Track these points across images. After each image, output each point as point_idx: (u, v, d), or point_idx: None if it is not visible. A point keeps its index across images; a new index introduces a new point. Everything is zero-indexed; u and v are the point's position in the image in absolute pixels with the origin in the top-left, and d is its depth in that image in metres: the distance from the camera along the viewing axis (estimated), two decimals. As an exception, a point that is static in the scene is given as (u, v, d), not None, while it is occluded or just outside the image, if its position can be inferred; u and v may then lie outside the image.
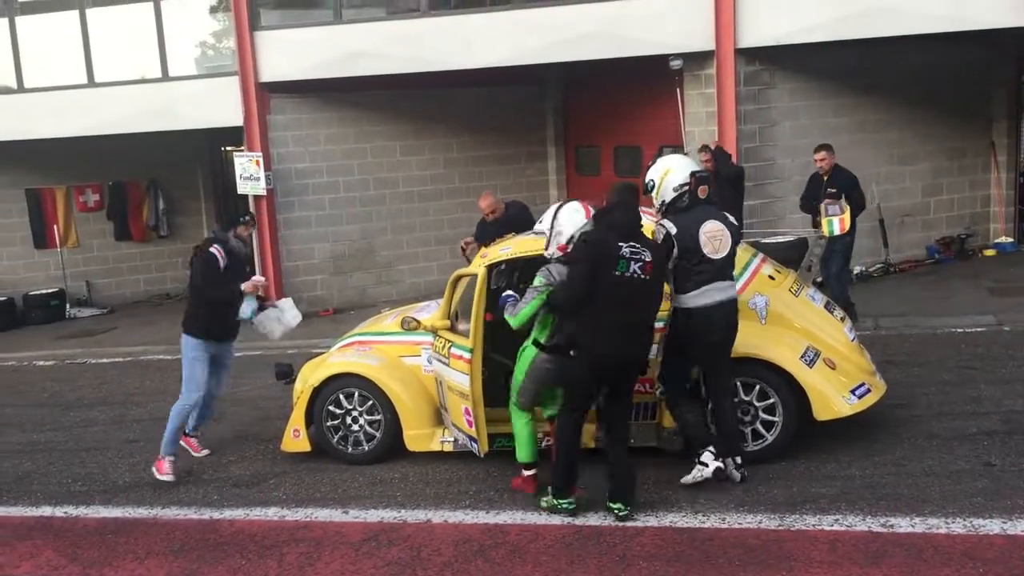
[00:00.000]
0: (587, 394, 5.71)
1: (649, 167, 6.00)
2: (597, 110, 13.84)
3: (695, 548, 5.05)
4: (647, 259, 5.51)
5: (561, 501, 5.76)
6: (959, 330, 9.29)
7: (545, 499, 5.87)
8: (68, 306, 15.05)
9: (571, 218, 5.79)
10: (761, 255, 7.15)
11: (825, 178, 9.55)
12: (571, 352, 5.59)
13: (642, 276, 5.49)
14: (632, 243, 5.49)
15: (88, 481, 7.29)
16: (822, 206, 7.61)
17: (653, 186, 6.04)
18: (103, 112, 13.32)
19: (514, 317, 5.75)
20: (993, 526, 5.06)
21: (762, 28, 10.92)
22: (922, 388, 7.49)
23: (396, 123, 13.55)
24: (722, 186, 9.41)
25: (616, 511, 5.62)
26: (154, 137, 13.79)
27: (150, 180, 15.58)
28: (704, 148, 10.27)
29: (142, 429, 8.57)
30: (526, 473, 6.09)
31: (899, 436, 6.49)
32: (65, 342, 13.20)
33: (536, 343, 5.83)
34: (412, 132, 13.67)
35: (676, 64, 10.89)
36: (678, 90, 11.14)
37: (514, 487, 6.15)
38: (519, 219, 8.06)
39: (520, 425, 6.05)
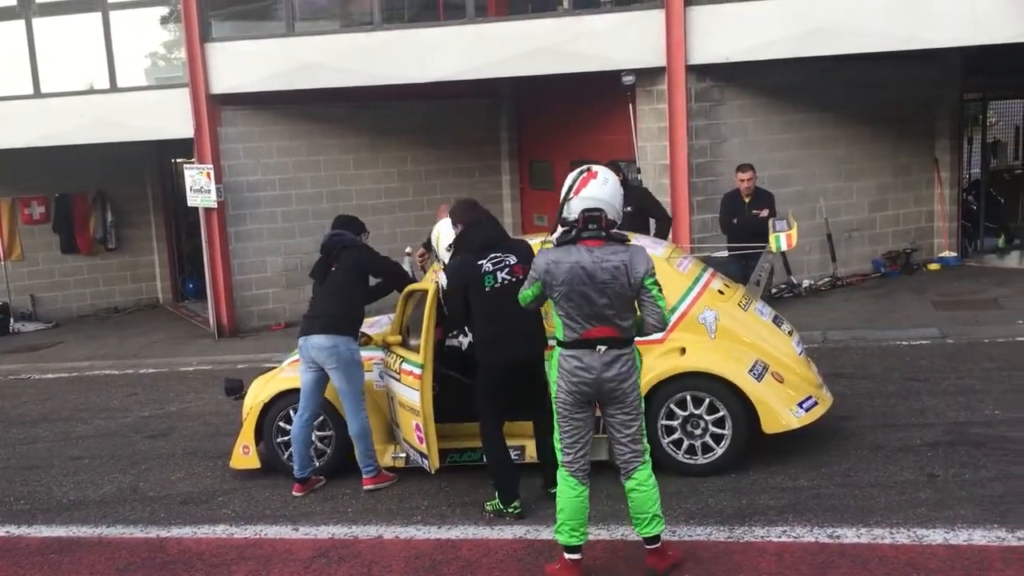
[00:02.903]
0: (498, 401, 5.93)
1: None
2: (551, 124, 13.92)
3: (645, 561, 5.06)
4: (512, 262, 5.86)
5: (508, 507, 5.89)
6: (904, 343, 9.48)
7: (491, 503, 5.99)
8: (12, 320, 14.71)
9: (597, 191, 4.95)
10: (711, 270, 7.24)
11: (748, 199, 9.55)
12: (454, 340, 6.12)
13: (512, 279, 5.80)
14: (493, 254, 5.85)
15: (31, 499, 7.13)
16: (770, 222, 7.71)
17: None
18: (50, 123, 13.09)
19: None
20: (936, 536, 5.15)
21: (712, 45, 11.08)
22: (868, 400, 7.62)
23: (350, 136, 13.50)
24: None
25: (554, 493, 5.84)
26: (102, 148, 13.59)
27: (98, 192, 15.33)
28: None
29: (87, 446, 8.41)
30: (567, 557, 4.97)
31: (846, 448, 6.59)
32: (8, 357, 12.92)
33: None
34: (366, 145, 13.63)
35: (628, 80, 11.01)
36: (630, 105, 11.26)
37: (548, 573, 5.09)
38: None
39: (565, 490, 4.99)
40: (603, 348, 4.79)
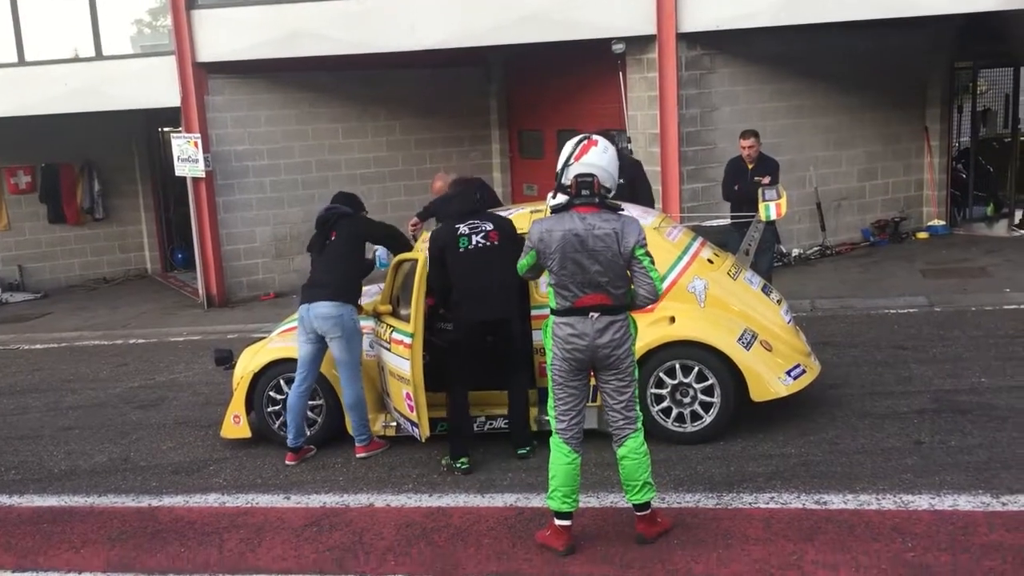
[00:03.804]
0: (466, 363, 6.23)
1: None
2: (541, 93, 13.85)
3: (634, 527, 5.11)
4: (489, 228, 6.23)
5: (456, 461, 6.23)
6: (892, 311, 9.53)
7: (444, 459, 6.30)
8: (0, 291, 14.67)
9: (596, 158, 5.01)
10: (700, 239, 7.25)
11: (751, 166, 9.22)
12: (444, 324, 6.39)
13: (487, 243, 6.18)
14: (470, 220, 6.23)
15: (22, 469, 7.14)
16: (760, 191, 7.67)
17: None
18: (34, 91, 12.97)
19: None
20: (922, 502, 5.21)
21: (703, 13, 11.01)
22: (856, 368, 7.67)
23: (339, 105, 13.41)
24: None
25: (521, 455, 6.32)
26: (88, 117, 13.47)
27: (85, 161, 15.21)
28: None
29: (77, 416, 8.41)
30: (558, 523, 5.04)
31: (833, 415, 6.64)
32: (-3, 328, 12.89)
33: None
34: (355, 114, 13.55)
35: (619, 48, 10.94)
36: (621, 74, 11.20)
37: (539, 540, 5.13)
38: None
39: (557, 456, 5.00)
40: (596, 315, 4.81)
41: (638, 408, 4.99)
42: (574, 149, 4.98)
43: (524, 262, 5.06)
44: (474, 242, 6.17)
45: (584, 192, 4.87)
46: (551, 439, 5.02)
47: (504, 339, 6.25)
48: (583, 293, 4.81)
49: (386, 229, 7.01)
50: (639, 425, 4.97)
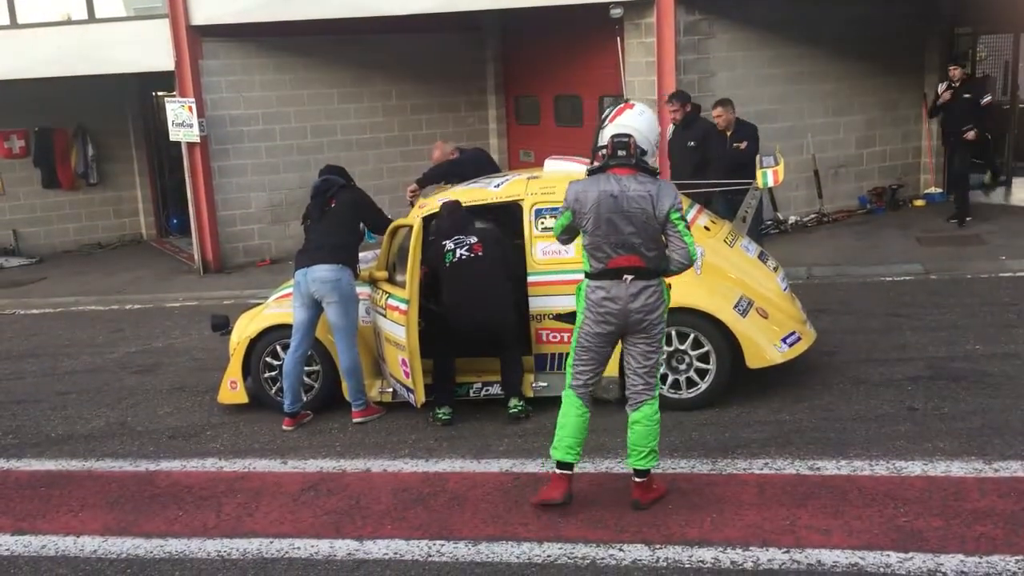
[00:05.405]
0: (456, 347, 6.56)
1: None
2: (538, 58, 13.75)
3: (630, 493, 5.15)
4: (472, 242, 6.46)
5: (439, 412, 6.52)
6: (888, 279, 9.54)
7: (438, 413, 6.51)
8: (-5, 256, 14.65)
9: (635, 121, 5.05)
10: (697, 206, 7.23)
11: (729, 133, 9.42)
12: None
13: (470, 255, 6.42)
14: (456, 236, 6.49)
15: (19, 434, 7.16)
16: (757, 158, 7.69)
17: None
18: (27, 54, 12.84)
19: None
20: (914, 468, 5.25)
21: (702, -23, 10.91)
22: (851, 335, 7.70)
23: (334, 70, 13.31)
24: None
25: (511, 408, 6.44)
26: (82, 81, 13.35)
27: (78, 126, 15.11)
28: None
29: (74, 382, 8.42)
30: (559, 472, 5.11)
31: (828, 382, 6.67)
32: (-8, 293, 12.87)
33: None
34: (350, 79, 13.45)
35: (616, 12, 10.84)
36: (618, 39, 11.10)
37: (534, 503, 5.17)
38: (478, 166, 7.80)
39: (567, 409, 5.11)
40: (630, 278, 4.82)
41: (659, 376, 5.02)
42: (610, 112, 5.04)
43: (559, 223, 5.06)
44: (458, 255, 6.40)
45: (620, 152, 4.88)
46: (564, 391, 5.08)
47: (497, 338, 6.48)
48: (616, 254, 4.82)
49: (378, 213, 7.00)
50: (656, 392, 5.02)
